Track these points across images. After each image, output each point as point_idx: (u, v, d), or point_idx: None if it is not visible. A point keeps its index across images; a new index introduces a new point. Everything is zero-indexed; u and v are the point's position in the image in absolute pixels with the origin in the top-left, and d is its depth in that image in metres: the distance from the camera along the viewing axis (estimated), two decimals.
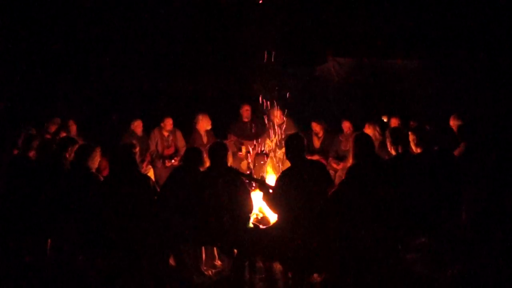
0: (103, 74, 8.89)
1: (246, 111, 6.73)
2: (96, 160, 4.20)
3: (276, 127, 6.50)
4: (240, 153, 6.50)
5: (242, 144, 6.57)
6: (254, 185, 4.53)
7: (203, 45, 9.20)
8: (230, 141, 6.51)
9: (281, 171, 4.07)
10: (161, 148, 6.60)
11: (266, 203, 3.80)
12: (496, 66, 7.58)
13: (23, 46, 8.25)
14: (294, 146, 3.71)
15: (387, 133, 4.16)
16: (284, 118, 6.54)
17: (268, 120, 6.55)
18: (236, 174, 4.00)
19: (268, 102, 6.35)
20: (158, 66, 9.12)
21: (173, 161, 6.39)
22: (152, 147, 6.55)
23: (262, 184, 3.97)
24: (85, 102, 8.46)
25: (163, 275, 3.83)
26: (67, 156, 4.35)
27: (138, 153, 4.21)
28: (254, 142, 6.61)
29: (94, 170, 4.17)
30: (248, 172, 6.33)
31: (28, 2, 8.15)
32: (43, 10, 8.25)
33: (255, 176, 5.08)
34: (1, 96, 7.93)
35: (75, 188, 4.00)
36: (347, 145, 5.80)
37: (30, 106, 7.93)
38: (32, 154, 4.69)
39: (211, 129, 6.72)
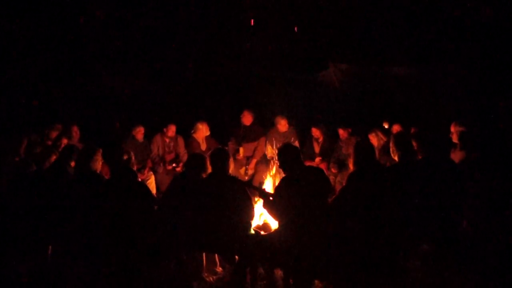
0: (105, 80, 8.93)
1: (246, 117, 6.74)
2: (98, 162, 4.23)
3: (280, 134, 6.52)
4: (238, 155, 6.50)
5: (240, 145, 6.59)
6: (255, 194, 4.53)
7: (206, 52, 9.24)
8: (230, 145, 6.53)
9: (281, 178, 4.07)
10: (162, 154, 6.62)
11: (267, 210, 3.81)
12: (495, 71, 7.59)
13: (24, 50, 8.29)
14: (287, 155, 3.74)
15: (391, 139, 4.18)
16: (287, 126, 6.57)
17: (273, 127, 6.59)
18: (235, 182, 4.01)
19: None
20: (160, 71, 9.17)
21: (174, 165, 6.40)
22: (154, 153, 6.57)
23: (261, 192, 3.98)
24: (87, 108, 8.49)
25: (164, 281, 3.83)
26: (72, 165, 4.38)
27: (133, 160, 4.23)
28: (255, 145, 6.61)
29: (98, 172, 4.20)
30: (246, 179, 6.35)
31: (30, 6, 8.20)
32: (45, 14, 8.30)
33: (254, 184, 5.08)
34: (3, 101, 7.96)
35: (82, 192, 4.02)
36: (348, 149, 5.84)
37: (32, 112, 7.96)
38: (32, 160, 4.71)
39: (210, 135, 6.74)
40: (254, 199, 4.76)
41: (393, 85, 8.33)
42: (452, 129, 5.40)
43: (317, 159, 6.47)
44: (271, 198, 3.78)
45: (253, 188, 4.27)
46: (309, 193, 3.56)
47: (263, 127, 6.85)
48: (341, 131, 6.41)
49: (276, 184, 5.12)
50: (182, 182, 4.08)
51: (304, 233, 3.47)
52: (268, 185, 5.44)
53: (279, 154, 3.81)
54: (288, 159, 3.73)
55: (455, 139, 5.20)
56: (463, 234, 3.84)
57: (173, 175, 5.69)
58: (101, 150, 4.30)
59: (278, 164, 6.33)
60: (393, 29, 8.68)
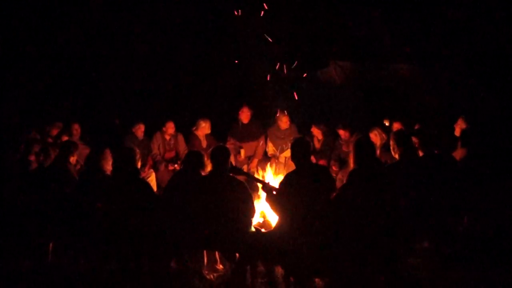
0: (105, 77, 8.92)
1: (245, 113, 6.70)
2: (108, 162, 4.23)
3: (281, 131, 6.51)
4: (239, 156, 6.47)
5: (241, 147, 6.57)
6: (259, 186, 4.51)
7: (206, 49, 9.23)
8: (230, 144, 6.49)
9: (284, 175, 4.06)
10: (162, 152, 6.61)
11: (269, 204, 3.80)
12: (497, 69, 7.58)
13: (25, 49, 8.30)
14: (300, 149, 3.74)
15: (391, 137, 4.17)
16: (289, 123, 6.56)
17: (274, 124, 6.58)
18: (239, 173, 4.01)
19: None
20: (160, 69, 9.16)
21: (176, 166, 6.39)
22: (154, 151, 6.56)
23: (264, 185, 3.97)
24: (87, 105, 8.49)
25: (164, 279, 3.83)
26: (71, 160, 4.38)
27: (138, 157, 4.22)
28: (255, 144, 6.59)
29: (109, 173, 4.21)
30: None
31: (31, 5, 8.20)
32: (46, 13, 8.29)
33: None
34: (3, 100, 7.97)
35: (83, 189, 4.03)
36: (348, 147, 5.83)
37: (32, 110, 7.96)
38: (33, 158, 4.71)
39: (210, 133, 6.72)
40: (257, 194, 4.77)
41: (394, 82, 8.32)
42: (457, 125, 5.38)
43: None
44: (274, 192, 3.78)
45: (257, 180, 4.26)
46: (312, 190, 3.56)
47: (263, 124, 6.82)
48: (341, 132, 6.37)
49: (277, 180, 5.12)
50: (181, 179, 4.08)
51: (304, 231, 3.47)
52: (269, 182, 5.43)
53: (292, 147, 3.82)
54: (300, 153, 3.73)
55: (457, 132, 5.19)
56: (464, 232, 3.84)
57: (173, 173, 5.68)
58: (108, 150, 4.32)
59: (279, 160, 6.37)
60: (393, 27, 8.66)
